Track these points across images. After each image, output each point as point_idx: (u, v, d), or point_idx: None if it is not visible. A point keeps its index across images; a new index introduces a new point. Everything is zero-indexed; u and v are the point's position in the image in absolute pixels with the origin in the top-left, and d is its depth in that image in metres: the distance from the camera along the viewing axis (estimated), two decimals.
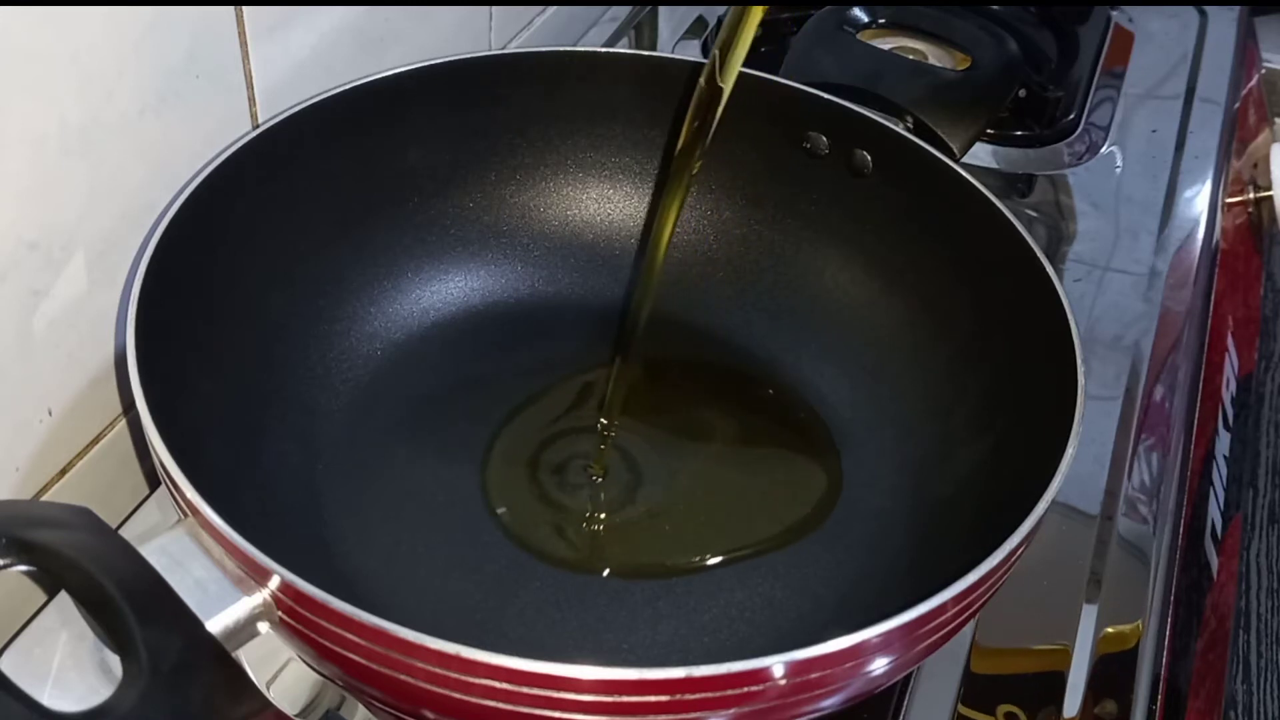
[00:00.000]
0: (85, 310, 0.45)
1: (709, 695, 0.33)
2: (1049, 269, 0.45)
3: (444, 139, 0.54)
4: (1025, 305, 0.46)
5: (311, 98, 0.48)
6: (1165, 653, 0.48)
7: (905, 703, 0.44)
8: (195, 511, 0.35)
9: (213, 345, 0.45)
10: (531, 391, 0.53)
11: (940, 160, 0.50)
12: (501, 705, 0.33)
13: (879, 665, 0.35)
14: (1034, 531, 0.37)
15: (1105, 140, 0.72)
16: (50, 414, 0.45)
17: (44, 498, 0.46)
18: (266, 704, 0.35)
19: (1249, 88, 0.81)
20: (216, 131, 0.48)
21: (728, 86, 0.43)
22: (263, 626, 0.35)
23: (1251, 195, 0.73)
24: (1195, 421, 0.59)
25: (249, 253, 0.47)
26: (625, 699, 0.32)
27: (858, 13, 0.66)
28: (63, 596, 0.34)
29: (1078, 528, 0.51)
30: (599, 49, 0.55)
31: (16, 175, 0.40)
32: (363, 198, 0.52)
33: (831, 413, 0.52)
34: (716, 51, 0.42)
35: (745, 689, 0.33)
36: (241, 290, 0.47)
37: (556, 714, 0.33)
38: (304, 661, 0.38)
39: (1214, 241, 0.68)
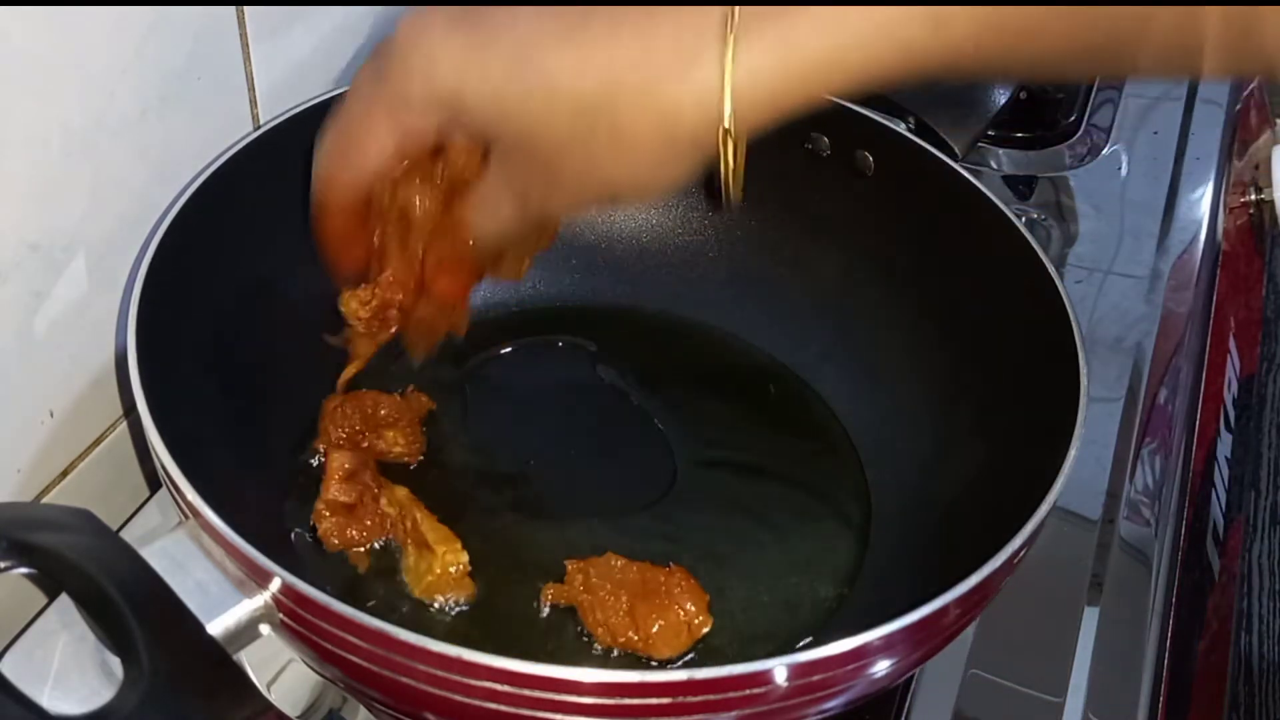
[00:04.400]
0: (86, 312, 0.45)
1: (710, 698, 0.33)
2: (1052, 270, 0.45)
3: None
4: (1027, 307, 0.46)
5: (313, 99, 0.48)
6: (1167, 654, 0.48)
7: (907, 704, 0.44)
8: (196, 514, 0.35)
9: (213, 346, 0.45)
10: (533, 392, 0.53)
11: (942, 161, 0.50)
12: (503, 708, 0.33)
13: (881, 667, 0.35)
14: (1036, 534, 0.37)
15: (1107, 142, 0.72)
16: (51, 415, 0.45)
17: (45, 500, 0.46)
18: (268, 705, 0.35)
19: (1250, 89, 0.80)
20: (218, 133, 0.48)
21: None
22: (264, 629, 0.35)
23: (1253, 197, 0.73)
24: (1197, 423, 0.59)
25: (249, 254, 0.47)
26: (626, 701, 0.32)
27: None
28: (63, 599, 0.34)
29: (1079, 530, 0.51)
30: None
31: (18, 177, 0.40)
32: None
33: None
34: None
35: (747, 691, 0.33)
36: (242, 291, 0.47)
37: (558, 716, 0.33)
38: (305, 664, 0.38)
39: (1216, 243, 0.68)
